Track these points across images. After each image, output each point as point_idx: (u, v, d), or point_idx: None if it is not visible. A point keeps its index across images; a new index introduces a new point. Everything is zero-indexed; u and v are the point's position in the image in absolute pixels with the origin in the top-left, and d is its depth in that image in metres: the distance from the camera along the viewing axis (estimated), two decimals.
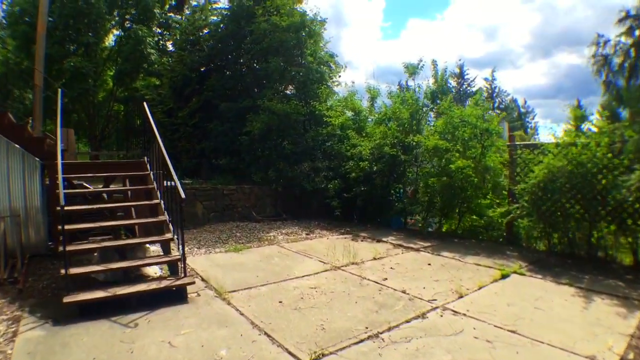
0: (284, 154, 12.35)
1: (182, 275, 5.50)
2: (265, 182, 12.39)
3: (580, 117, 8.14)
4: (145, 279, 5.79)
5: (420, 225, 10.88)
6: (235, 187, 11.83)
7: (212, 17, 15.87)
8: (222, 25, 14.54)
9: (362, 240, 9.22)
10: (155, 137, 6.73)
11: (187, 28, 16.32)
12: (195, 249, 8.13)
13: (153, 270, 6.21)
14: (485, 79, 30.67)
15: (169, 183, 5.90)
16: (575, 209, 7.32)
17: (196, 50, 15.00)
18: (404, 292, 5.62)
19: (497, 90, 35.44)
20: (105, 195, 7.48)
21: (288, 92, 13.87)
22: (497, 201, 9.61)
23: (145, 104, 7.71)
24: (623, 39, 7.36)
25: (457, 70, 37.20)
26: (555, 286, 5.84)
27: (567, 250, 7.84)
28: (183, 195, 5.34)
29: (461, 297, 5.39)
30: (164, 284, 5.19)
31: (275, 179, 12.04)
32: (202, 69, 14.90)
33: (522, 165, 9.00)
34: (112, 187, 7.46)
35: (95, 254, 5.89)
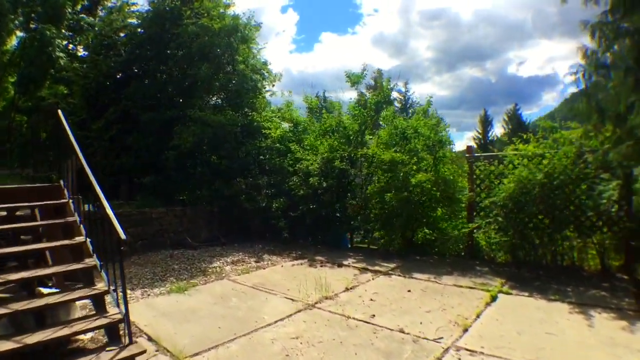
0: (219, 171, 10.85)
1: (128, 341, 3.88)
2: (197, 203, 10.88)
3: (549, 128, 7.88)
4: (75, 354, 3.99)
5: (367, 242, 10.18)
6: (165, 210, 10.12)
7: (130, 20, 13.94)
8: (141, 29, 12.75)
9: (321, 266, 8.06)
10: (75, 153, 5.21)
11: (103, 30, 14.03)
12: (129, 291, 6.43)
13: (85, 336, 4.56)
14: (399, 91, 31.36)
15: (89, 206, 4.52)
16: (548, 220, 7.11)
17: (112, 55, 12.94)
18: (402, 331, 4.70)
19: (410, 101, 36.50)
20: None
21: (219, 101, 12.44)
22: (460, 216, 9.15)
23: (60, 112, 5.99)
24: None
25: (372, 82, 37.79)
26: (548, 304, 5.54)
27: (532, 260, 7.56)
28: (124, 236, 3.83)
29: (466, 330, 4.70)
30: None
31: (210, 199, 10.53)
32: (119, 76, 12.86)
33: (483, 178, 8.67)
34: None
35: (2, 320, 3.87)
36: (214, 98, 12.38)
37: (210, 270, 7.82)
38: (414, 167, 9.02)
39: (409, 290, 6.29)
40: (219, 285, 6.84)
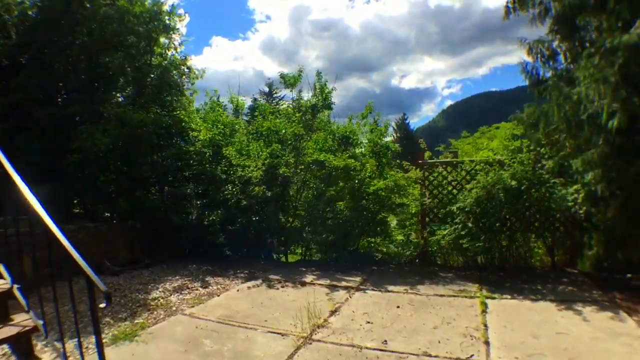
0: (138, 178, 9.11)
1: None
2: (112, 217, 9.06)
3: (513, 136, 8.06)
4: None
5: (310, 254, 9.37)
6: (76, 228, 8.07)
7: None
8: (39, 5, 10.29)
9: (282, 287, 6.97)
10: None
11: None
12: (56, 342, 4.75)
13: None
14: (292, 99, 31.11)
15: None
16: (515, 223, 7.44)
17: (0, 37, 10.25)
18: (429, 355, 4.18)
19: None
20: None
21: (135, 98, 10.50)
22: (411, 222, 8.89)
23: None
24: None
25: (266, 89, 36.94)
26: (535, 304, 5.65)
27: (494, 263, 7.86)
28: (103, 287, 2.67)
29: (487, 342, 4.43)
30: None
31: (129, 212, 8.79)
32: (6, 63, 10.18)
33: (436, 184, 8.54)
34: None
35: None
36: (129, 93, 10.43)
37: (152, 303, 6.19)
38: (367, 173, 8.54)
39: (398, 306, 5.77)
40: (176, 323, 5.31)
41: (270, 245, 9.41)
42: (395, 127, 60.18)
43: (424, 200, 8.40)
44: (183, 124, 9.76)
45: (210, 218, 8.51)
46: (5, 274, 3.48)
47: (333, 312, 5.62)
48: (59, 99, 10.35)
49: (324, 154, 8.61)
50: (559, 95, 6.58)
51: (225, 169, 9.23)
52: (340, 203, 8.54)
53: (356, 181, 8.34)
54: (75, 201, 10.31)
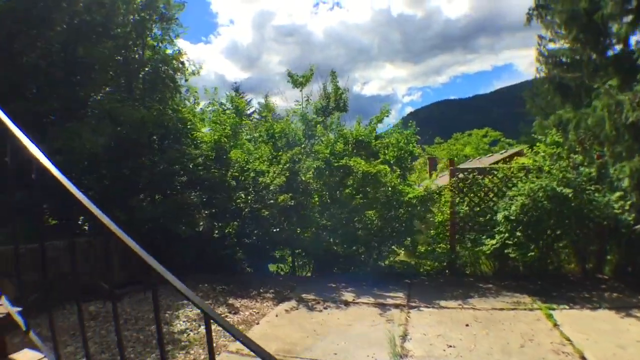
0: (136, 185, 7.90)
1: None
2: (103, 229, 7.69)
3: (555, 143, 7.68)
4: None
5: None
6: (66, 243, 6.76)
7: None
8: None
9: (325, 308, 6.10)
10: None
11: None
12: None
13: None
14: (260, 103, 30.05)
15: None
16: (558, 230, 6.97)
17: None
18: None
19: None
20: None
21: (125, 94, 9.12)
22: (436, 231, 8.27)
23: None
24: None
25: (233, 93, 35.54)
26: (596, 313, 5.53)
27: (526, 271, 7.65)
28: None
29: (583, 358, 4.23)
30: None
31: (128, 223, 7.51)
32: None
33: (466, 190, 7.98)
34: None
35: None
36: (119, 89, 9.05)
37: (182, 338, 4.98)
38: (397, 180, 7.84)
39: (467, 325, 5.33)
40: None
41: (285, 259, 8.42)
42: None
43: (460, 209, 7.80)
44: (188, 124, 8.58)
45: (227, 230, 7.41)
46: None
47: (404, 337, 4.96)
48: (30, 94, 8.87)
49: (354, 159, 7.81)
50: (609, 101, 6.38)
51: (237, 174, 8.15)
52: (370, 212, 7.77)
53: (389, 189, 7.59)
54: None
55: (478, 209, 7.96)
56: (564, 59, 9.15)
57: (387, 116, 9.02)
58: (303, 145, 8.70)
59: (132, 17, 8.89)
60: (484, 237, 7.53)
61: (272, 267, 8.79)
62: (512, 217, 6.90)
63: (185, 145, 8.65)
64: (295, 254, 8.44)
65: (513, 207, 6.92)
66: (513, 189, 7.29)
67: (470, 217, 7.96)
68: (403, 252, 8.51)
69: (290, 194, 7.51)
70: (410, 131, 8.52)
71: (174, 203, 7.90)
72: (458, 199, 8.01)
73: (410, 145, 8.43)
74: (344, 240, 8.03)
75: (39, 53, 8.73)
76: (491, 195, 7.96)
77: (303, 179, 7.82)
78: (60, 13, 8.86)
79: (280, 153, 8.34)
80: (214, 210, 7.99)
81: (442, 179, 10.38)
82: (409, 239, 7.96)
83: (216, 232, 7.68)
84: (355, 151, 8.67)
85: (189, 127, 8.66)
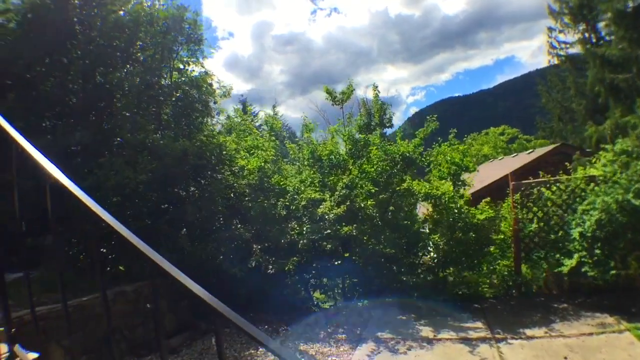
0: (181, 221, 7.53)
1: None
2: (142, 274, 7.35)
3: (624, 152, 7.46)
4: None
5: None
6: (113, 295, 6.37)
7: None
8: (29, 15, 8.27)
9: (409, 349, 5.89)
10: None
11: None
12: None
13: None
14: (267, 115, 29.56)
15: None
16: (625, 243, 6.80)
17: None
18: None
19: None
20: None
21: (154, 123, 8.71)
22: (494, 250, 8.10)
23: None
24: None
25: (240, 106, 34.91)
26: None
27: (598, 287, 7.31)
28: None
29: None
30: None
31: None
32: None
33: (531, 206, 7.80)
34: None
35: None
36: (150, 117, 8.61)
37: None
38: (461, 201, 7.64)
39: (565, 358, 5.17)
40: None
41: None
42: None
43: (530, 227, 7.62)
44: (225, 152, 8.21)
45: (287, 268, 7.09)
46: None
47: None
48: (50, 125, 8.45)
49: (416, 182, 7.63)
50: None
51: (287, 204, 7.84)
52: (435, 236, 7.55)
53: (455, 211, 7.39)
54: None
55: (543, 224, 7.78)
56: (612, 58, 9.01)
57: (434, 130, 8.78)
58: (351, 167, 8.43)
59: (156, 39, 8.51)
60: (556, 255, 7.36)
61: (317, 296, 8.50)
62: (588, 234, 6.76)
63: (223, 173, 8.31)
64: (346, 280, 8.15)
65: (588, 223, 6.81)
66: (583, 202, 7.12)
67: (537, 234, 7.79)
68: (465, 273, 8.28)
69: (354, 225, 7.24)
70: (465, 146, 8.34)
71: (224, 239, 7.55)
72: (522, 214, 7.82)
73: (465, 160, 8.22)
74: (408, 268, 7.78)
75: (56, 82, 8.33)
76: (557, 209, 7.76)
77: (362, 205, 7.53)
78: (77, 39, 8.50)
79: (332, 178, 8.06)
80: (267, 245, 7.65)
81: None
82: (478, 262, 7.73)
83: (270, 267, 7.35)
84: (403, 168, 8.46)
85: (226, 153, 8.28)
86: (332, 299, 7.83)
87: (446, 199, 7.51)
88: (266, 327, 7.07)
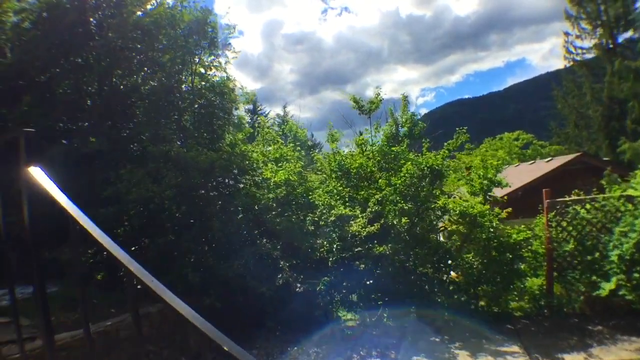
0: (205, 237, 7.44)
1: None
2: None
3: None
4: None
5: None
6: (140, 315, 6.28)
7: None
8: (44, 14, 8.12)
9: None
10: None
11: None
12: None
13: None
14: (278, 115, 29.30)
15: None
16: None
17: None
18: None
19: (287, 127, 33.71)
20: None
21: (174, 131, 8.62)
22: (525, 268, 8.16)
23: None
24: None
25: (251, 106, 34.54)
26: None
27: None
28: None
29: None
30: None
31: (202, 285, 7.05)
32: (1, 88, 7.82)
33: (564, 225, 7.87)
34: None
35: None
36: (170, 121, 8.49)
37: None
38: (496, 220, 7.65)
39: None
40: None
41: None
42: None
43: (565, 247, 7.65)
44: (247, 162, 8.13)
45: (318, 288, 7.06)
46: None
47: None
48: (72, 131, 8.33)
49: (452, 200, 7.61)
50: None
51: (317, 219, 7.79)
52: (468, 255, 7.57)
53: (491, 230, 7.40)
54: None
55: (577, 244, 7.80)
56: None
57: (466, 141, 8.79)
58: (378, 180, 8.42)
59: (178, 43, 8.40)
60: (592, 276, 7.40)
61: (344, 314, 8.48)
62: (627, 257, 6.84)
63: (247, 185, 8.24)
64: (377, 299, 8.14)
65: (626, 246, 6.90)
66: (620, 223, 7.18)
67: (571, 254, 7.82)
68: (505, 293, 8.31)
69: (389, 245, 7.23)
70: (500, 162, 8.35)
71: (250, 255, 7.49)
72: (555, 233, 7.85)
73: (497, 177, 8.23)
74: (439, 286, 7.80)
75: (71, 84, 8.22)
76: (591, 228, 7.79)
77: (394, 222, 7.51)
78: (94, 40, 8.39)
79: (362, 192, 8.04)
80: (294, 262, 7.60)
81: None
82: (513, 282, 7.75)
83: (299, 285, 7.31)
84: (431, 181, 8.46)
85: (248, 163, 8.20)
86: (359, 314, 7.79)
87: (482, 218, 7.51)
88: (295, 348, 7.04)
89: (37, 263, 2.78)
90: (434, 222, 8.61)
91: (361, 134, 9.55)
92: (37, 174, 2.31)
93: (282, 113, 24.99)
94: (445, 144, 8.87)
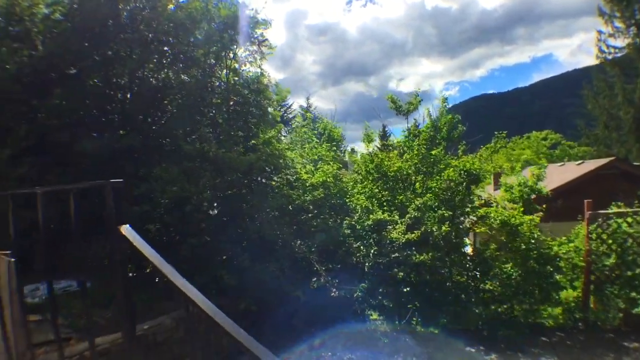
0: (241, 238, 7.58)
1: None
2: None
3: None
4: None
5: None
6: (175, 319, 6.40)
7: None
8: (75, 5, 8.18)
9: None
10: None
11: (7, 8, 8.36)
12: None
13: None
14: (301, 107, 29.20)
15: None
16: None
17: (24, 48, 7.94)
18: None
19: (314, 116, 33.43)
20: None
21: (209, 129, 8.72)
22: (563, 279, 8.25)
23: None
24: None
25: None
26: None
27: None
28: None
29: None
30: None
31: (238, 287, 7.19)
32: (33, 80, 7.94)
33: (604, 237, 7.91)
34: None
35: None
36: (204, 118, 8.57)
37: None
38: (537, 230, 7.74)
39: None
40: None
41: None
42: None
43: (606, 262, 7.72)
44: (281, 160, 8.22)
45: (355, 295, 7.20)
46: None
47: None
48: (102, 126, 8.45)
49: (493, 209, 7.69)
50: None
51: (354, 223, 7.90)
52: (507, 266, 7.67)
53: (532, 241, 7.49)
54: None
55: (617, 258, 7.85)
56: None
57: (505, 146, 8.84)
58: (415, 183, 8.51)
59: (212, 37, 8.46)
60: (631, 293, 7.49)
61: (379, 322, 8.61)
62: None
63: (281, 186, 8.34)
64: (413, 308, 8.27)
65: None
66: None
67: (611, 269, 7.87)
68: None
69: (429, 254, 7.34)
70: (542, 170, 8.40)
71: (284, 258, 7.63)
72: (595, 246, 7.91)
73: (538, 185, 8.29)
74: (475, 295, 7.91)
75: (101, 77, 8.33)
76: (632, 243, 7.83)
77: (433, 230, 7.61)
78: (125, 33, 8.47)
79: (401, 197, 8.14)
80: (330, 266, 7.74)
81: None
82: (550, 295, 7.84)
83: (334, 290, 7.45)
84: (467, 186, 8.52)
85: (282, 162, 8.28)
86: (394, 321, 7.93)
87: (523, 227, 7.59)
88: (329, 353, 7.18)
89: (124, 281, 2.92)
90: (468, 227, 8.70)
91: (385, 127, 9.73)
92: (129, 234, 2.48)
93: (305, 105, 25.00)
94: (483, 147, 8.93)
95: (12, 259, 2.35)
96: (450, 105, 9.44)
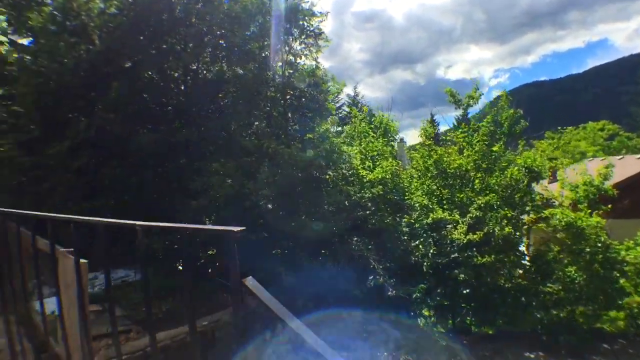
0: (300, 236, 7.75)
1: None
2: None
3: None
4: None
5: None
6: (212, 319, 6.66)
7: None
8: (130, 1, 8.43)
9: None
10: None
11: (65, 4, 8.50)
12: None
13: None
14: (348, 95, 28.82)
15: None
16: None
17: (81, 43, 8.30)
18: None
19: (359, 105, 32.81)
20: None
21: (262, 124, 8.90)
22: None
23: None
24: None
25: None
26: None
27: None
28: None
29: None
30: None
31: (295, 284, 7.39)
32: (91, 74, 8.26)
33: None
34: None
35: None
36: (261, 113, 8.73)
37: None
38: (603, 233, 7.61)
39: None
40: None
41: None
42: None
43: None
44: (343, 156, 8.27)
45: (415, 295, 7.29)
46: None
47: None
48: (158, 120, 8.73)
49: (561, 210, 7.60)
50: None
51: (412, 221, 7.94)
52: (570, 269, 7.58)
53: (599, 245, 7.38)
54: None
55: None
56: None
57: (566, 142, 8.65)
58: (474, 180, 8.47)
59: (268, 31, 8.58)
60: None
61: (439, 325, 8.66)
62: None
63: (333, 177, 8.41)
64: (471, 309, 8.28)
65: None
66: None
67: None
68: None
69: (492, 256, 7.33)
70: (609, 168, 8.21)
71: (341, 255, 7.77)
72: None
73: (604, 184, 8.12)
74: (535, 299, 7.86)
75: (156, 70, 8.58)
76: None
77: (496, 230, 7.58)
78: (181, 26, 8.67)
79: (461, 195, 8.14)
80: (387, 264, 7.83)
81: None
82: (615, 301, 7.72)
83: (391, 290, 7.56)
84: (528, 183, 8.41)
85: (337, 156, 8.33)
86: (453, 322, 7.97)
87: (591, 230, 7.48)
88: (385, 353, 7.31)
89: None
90: (526, 226, 8.61)
91: (432, 116, 9.55)
92: (253, 285, 2.60)
93: (352, 94, 24.86)
94: (547, 143, 8.78)
95: (84, 261, 2.43)
96: (499, 93, 9.18)
